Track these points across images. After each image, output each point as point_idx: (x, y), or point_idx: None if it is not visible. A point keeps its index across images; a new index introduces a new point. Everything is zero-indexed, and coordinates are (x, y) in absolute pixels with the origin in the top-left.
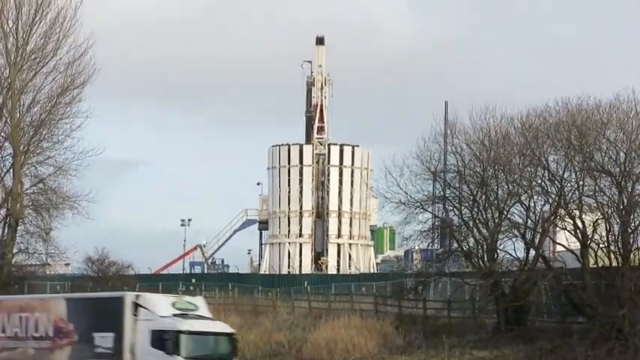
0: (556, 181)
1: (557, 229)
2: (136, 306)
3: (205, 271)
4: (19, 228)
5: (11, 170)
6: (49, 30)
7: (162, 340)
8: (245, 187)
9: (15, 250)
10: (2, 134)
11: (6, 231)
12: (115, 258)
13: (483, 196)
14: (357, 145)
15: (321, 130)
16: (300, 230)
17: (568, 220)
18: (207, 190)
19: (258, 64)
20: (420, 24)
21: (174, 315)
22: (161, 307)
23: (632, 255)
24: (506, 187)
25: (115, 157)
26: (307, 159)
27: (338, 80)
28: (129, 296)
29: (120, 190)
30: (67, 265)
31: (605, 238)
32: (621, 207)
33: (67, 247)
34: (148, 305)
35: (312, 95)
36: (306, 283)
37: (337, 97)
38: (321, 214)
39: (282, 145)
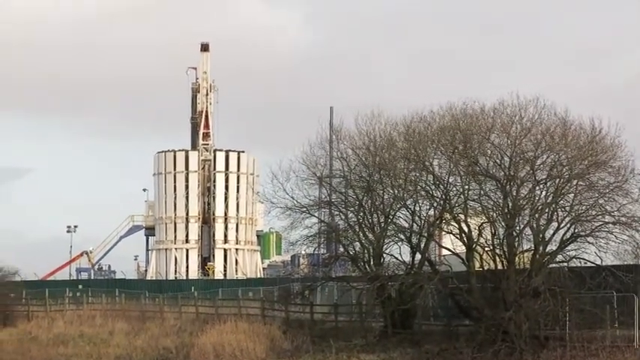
0: (441, 186)
1: (443, 232)
2: None
3: (92, 277)
4: None
5: None
6: None
7: None
8: (131, 193)
9: None
10: None
11: None
12: (1, 264)
13: (369, 201)
14: (243, 151)
15: (206, 136)
16: (187, 236)
17: (453, 224)
18: (93, 197)
19: (143, 72)
20: (310, 33)
21: None
22: None
23: (516, 258)
24: (391, 191)
25: (2, 164)
26: (193, 165)
27: (224, 87)
28: None
29: (5, 198)
30: None
31: (490, 242)
32: (506, 211)
33: None
34: None
35: (198, 102)
36: (193, 288)
37: (223, 103)
38: (207, 220)
39: (168, 151)
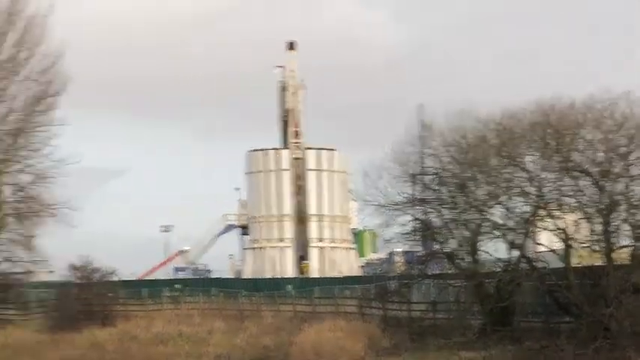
0: (535, 182)
1: (539, 229)
2: None
3: (189, 277)
4: (1, 237)
5: None
6: (20, 39)
7: None
8: (224, 192)
9: None
10: None
11: None
12: (99, 264)
13: (463, 198)
14: (334, 149)
15: (297, 134)
16: (281, 234)
17: (549, 220)
18: (187, 196)
19: (233, 72)
20: (398, 31)
21: None
22: None
23: (615, 254)
24: (485, 188)
25: (96, 165)
26: (285, 163)
27: (312, 85)
28: None
29: (102, 198)
30: (50, 272)
31: (587, 238)
32: (602, 207)
33: (50, 255)
34: None
35: (286, 100)
36: (289, 286)
37: (311, 101)
38: (301, 219)
39: (260, 150)
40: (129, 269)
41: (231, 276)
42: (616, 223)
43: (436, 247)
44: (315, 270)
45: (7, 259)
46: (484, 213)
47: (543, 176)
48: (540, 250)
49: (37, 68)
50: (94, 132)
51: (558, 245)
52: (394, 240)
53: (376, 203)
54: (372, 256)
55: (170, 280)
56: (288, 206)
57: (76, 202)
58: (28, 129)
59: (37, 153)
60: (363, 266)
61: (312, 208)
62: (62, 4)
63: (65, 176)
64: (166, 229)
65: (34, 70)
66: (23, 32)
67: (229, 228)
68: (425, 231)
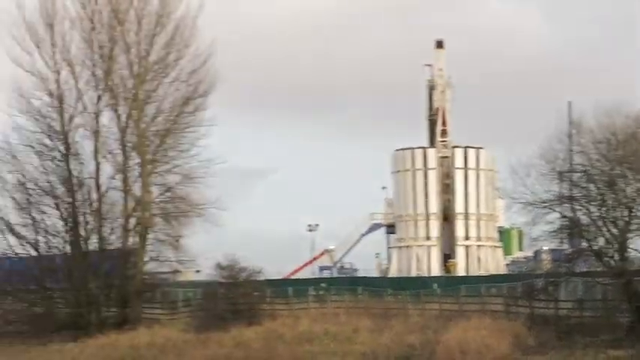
0: None
1: None
2: None
3: (334, 275)
4: (149, 236)
5: (140, 180)
6: (169, 40)
7: None
8: (368, 191)
9: (146, 259)
10: (129, 144)
11: (137, 240)
12: (245, 264)
13: (612, 195)
14: (482, 147)
15: (444, 133)
16: (428, 233)
17: None
18: (333, 195)
19: (380, 71)
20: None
21: None
22: None
23: None
24: (634, 185)
25: (241, 165)
26: (432, 162)
27: (458, 83)
28: None
29: (248, 198)
30: (197, 271)
31: None
32: None
33: (196, 254)
34: None
35: (434, 99)
36: (435, 285)
37: (458, 100)
38: (448, 217)
39: (407, 149)
40: (274, 268)
41: (377, 275)
42: None
43: (584, 244)
44: (461, 268)
45: (155, 259)
46: (633, 210)
47: None
48: None
49: (186, 69)
50: (240, 132)
51: None
52: (541, 238)
53: (523, 201)
54: (518, 254)
55: (315, 278)
56: (435, 205)
57: (223, 202)
58: (177, 130)
59: (185, 153)
60: (508, 264)
61: (458, 207)
62: (213, 4)
63: (212, 176)
64: (312, 228)
65: (183, 70)
66: (173, 34)
67: (375, 227)
68: (572, 229)
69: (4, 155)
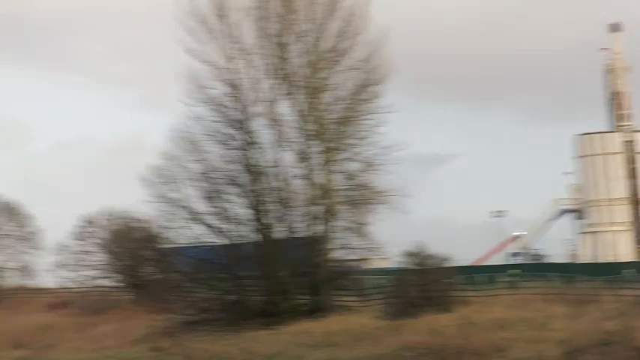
0: None
1: None
2: None
3: (524, 262)
4: (335, 224)
5: (321, 168)
6: (342, 29)
7: None
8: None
9: (334, 246)
10: (309, 132)
11: (322, 228)
12: (433, 250)
13: None
14: None
15: (625, 117)
16: (618, 218)
17: None
18: (515, 181)
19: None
20: None
21: None
22: None
23: None
24: None
25: (425, 151)
26: (616, 146)
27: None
28: None
29: (431, 185)
30: (384, 259)
31: None
32: None
33: (383, 242)
34: None
35: (613, 83)
36: (631, 271)
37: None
38: (636, 201)
39: (591, 133)
40: (460, 255)
41: (566, 261)
42: None
43: None
44: None
45: (343, 247)
46: None
47: None
48: None
49: (359, 57)
50: (423, 118)
51: None
52: None
53: None
54: None
55: (504, 265)
56: (623, 189)
57: (406, 189)
58: (355, 117)
59: (365, 141)
60: None
61: None
62: None
63: (394, 163)
64: (498, 214)
65: (356, 58)
66: (345, 22)
67: (562, 213)
68: None
69: (188, 145)
